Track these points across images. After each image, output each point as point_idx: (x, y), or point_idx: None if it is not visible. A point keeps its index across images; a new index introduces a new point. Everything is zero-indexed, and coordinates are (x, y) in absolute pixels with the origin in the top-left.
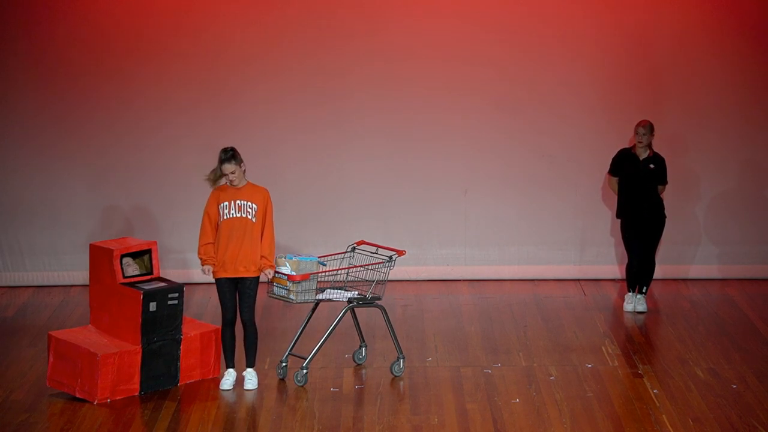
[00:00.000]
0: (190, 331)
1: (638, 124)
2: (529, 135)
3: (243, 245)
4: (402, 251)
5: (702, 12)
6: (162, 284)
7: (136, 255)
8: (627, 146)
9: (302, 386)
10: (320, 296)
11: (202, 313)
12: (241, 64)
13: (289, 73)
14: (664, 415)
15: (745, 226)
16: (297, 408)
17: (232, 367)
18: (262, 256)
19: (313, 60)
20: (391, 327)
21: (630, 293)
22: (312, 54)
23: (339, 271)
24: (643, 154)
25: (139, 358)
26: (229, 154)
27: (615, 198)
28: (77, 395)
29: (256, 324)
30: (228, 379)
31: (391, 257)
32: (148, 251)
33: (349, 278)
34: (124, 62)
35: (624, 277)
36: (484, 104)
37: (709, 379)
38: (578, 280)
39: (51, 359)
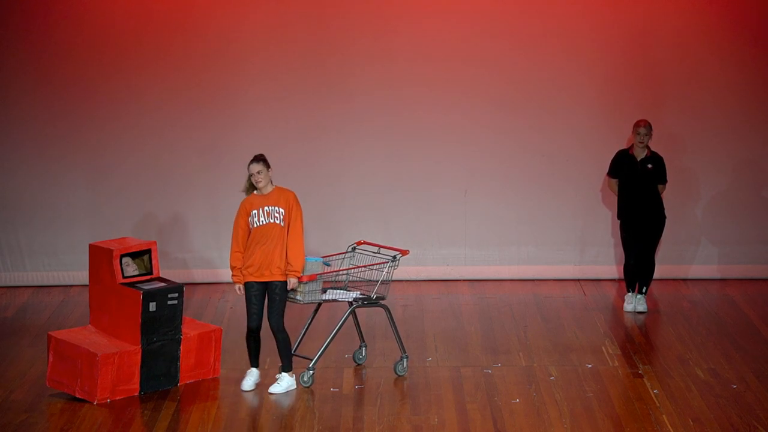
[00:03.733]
0: (190, 331)
1: (637, 124)
2: (529, 135)
3: (275, 250)
4: (405, 251)
5: (700, 12)
6: (162, 284)
7: (135, 255)
8: (625, 147)
9: (308, 387)
10: (325, 296)
11: (202, 313)
12: (241, 65)
13: (290, 74)
14: (664, 415)
15: (744, 226)
16: (297, 408)
17: (256, 366)
18: (287, 263)
19: (314, 61)
20: (395, 326)
21: (630, 293)
22: (312, 55)
23: (341, 272)
24: (641, 155)
25: (138, 358)
26: (257, 156)
27: (615, 198)
28: (77, 395)
29: (285, 329)
30: (249, 379)
31: (395, 257)
32: (148, 251)
33: (350, 278)
34: (124, 62)
35: (621, 277)
36: (485, 104)
37: (709, 379)
38: (578, 280)
39: (51, 359)
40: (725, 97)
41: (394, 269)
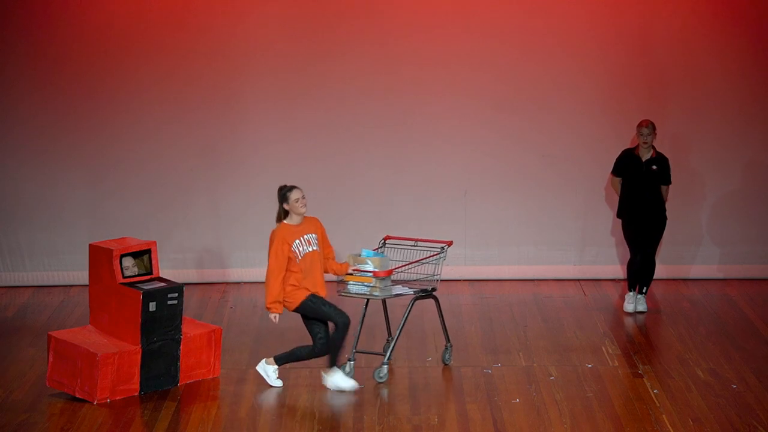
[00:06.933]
0: (190, 331)
1: (640, 125)
2: (529, 135)
3: (320, 273)
4: (450, 242)
5: (702, 11)
6: (162, 284)
7: (135, 255)
8: (630, 146)
9: (383, 382)
10: (395, 291)
11: (202, 313)
12: (242, 65)
13: (291, 75)
14: (664, 415)
15: (745, 226)
16: (297, 408)
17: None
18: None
19: (315, 61)
20: (443, 317)
21: (630, 293)
22: (314, 56)
23: (409, 266)
24: (646, 155)
25: (138, 358)
26: (292, 185)
27: (616, 197)
28: (77, 395)
29: None
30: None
31: (443, 248)
32: (148, 251)
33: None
34: (123, 62)
35: (625, 276)
36: (485, 105)
37: (709, 379)
38: (578, 280)
39: (51, 359)
40: (727, 97)
41: (444, 260)
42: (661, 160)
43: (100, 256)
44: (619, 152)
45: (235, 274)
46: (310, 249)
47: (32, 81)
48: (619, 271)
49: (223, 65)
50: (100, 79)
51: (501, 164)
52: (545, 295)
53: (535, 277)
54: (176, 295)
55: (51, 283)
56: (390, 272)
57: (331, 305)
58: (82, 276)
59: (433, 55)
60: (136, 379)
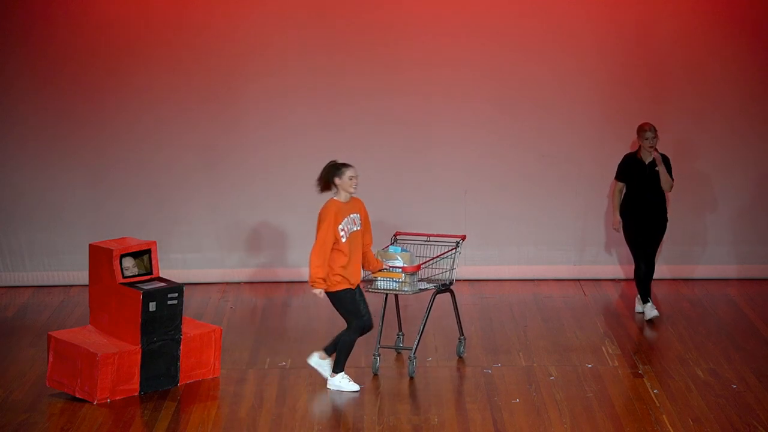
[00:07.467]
0: (190, 331)
1: (643, 129)
2: (528, 136)
3: (359, 255)
4: (463, 236)
5: (702, 11)
6: (162, 284)
7: (135, 255)
8: (630, 151)
9: (413, 377)
10: (420, 286)
11: (202, 313)
12: (241, 64)
13: (290, 73)
14: (664, 415)
15: (746, 226)
16: (297, 408)
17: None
18: (373, 262)
19: (314, 61)
20: (457, 309)
21: (648, 304)
22: (312, 55)
23: (430, 261)
24: (648, 157)
25: (138, 358)
26: (342, 162)
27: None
28: (77, 395)
29: None
30: (350, 380)
31: (458, 243)
32: (148, 251)
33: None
34: (123, 62)
35: (624, 276)
36: (485, 105)
37: (709, 379)
38: (578, 280)
39: (51, 359)
40: (728, 98)
41: (459, 254)
42: (663, 160)
43: (100, 256)
44: (618, 153)
45: (235, 274)
46: (355, 228)
47: (32, 81)
48: (619, 271)
49: (223, 65)
50: (100, 79)
51: (501, 164)
52: (545, 295)
53: (535, 277)
54: (176, 295)
55: (51, 283)
56: (418, 267)
57: (364, 306)
58: (82, 276)
59: (434, 55)
60: (136, 379)
